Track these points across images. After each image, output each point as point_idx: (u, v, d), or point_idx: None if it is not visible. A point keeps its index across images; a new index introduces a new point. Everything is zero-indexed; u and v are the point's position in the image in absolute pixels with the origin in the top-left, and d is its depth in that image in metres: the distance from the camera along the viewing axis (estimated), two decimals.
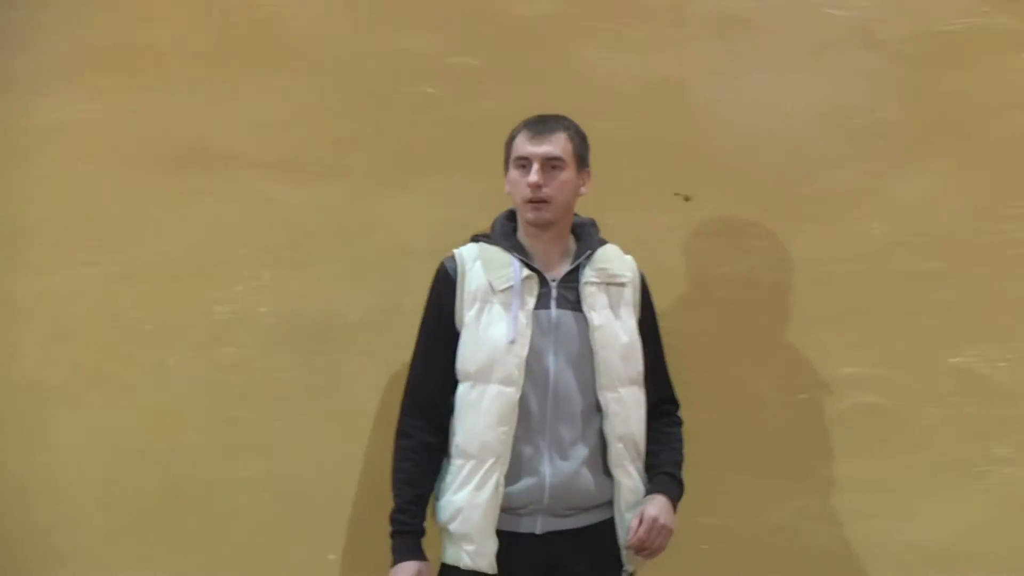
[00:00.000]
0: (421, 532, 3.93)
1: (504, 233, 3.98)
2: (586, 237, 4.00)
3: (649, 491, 3.95)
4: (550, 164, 3.90)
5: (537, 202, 3.89)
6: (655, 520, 3.88)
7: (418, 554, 3.91)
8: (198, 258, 4.48)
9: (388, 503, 4.19)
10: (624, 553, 3.92)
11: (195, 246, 4.48)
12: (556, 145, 3.90)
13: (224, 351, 4.47)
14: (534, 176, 3.88)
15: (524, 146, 3.91)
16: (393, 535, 3.91)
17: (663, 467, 4.01)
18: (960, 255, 4.57)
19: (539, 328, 3.88)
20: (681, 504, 3.98)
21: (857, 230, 4.55)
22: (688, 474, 4.03)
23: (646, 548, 3.90)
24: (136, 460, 4.46)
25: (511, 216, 4.02)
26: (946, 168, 4.57)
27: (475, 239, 4.02)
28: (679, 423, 4.11)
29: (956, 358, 4.57)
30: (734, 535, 4.55)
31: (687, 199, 4.53)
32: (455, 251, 3.99)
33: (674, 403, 4.12)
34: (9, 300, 4.46)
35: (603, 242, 4.02)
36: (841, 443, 4.56)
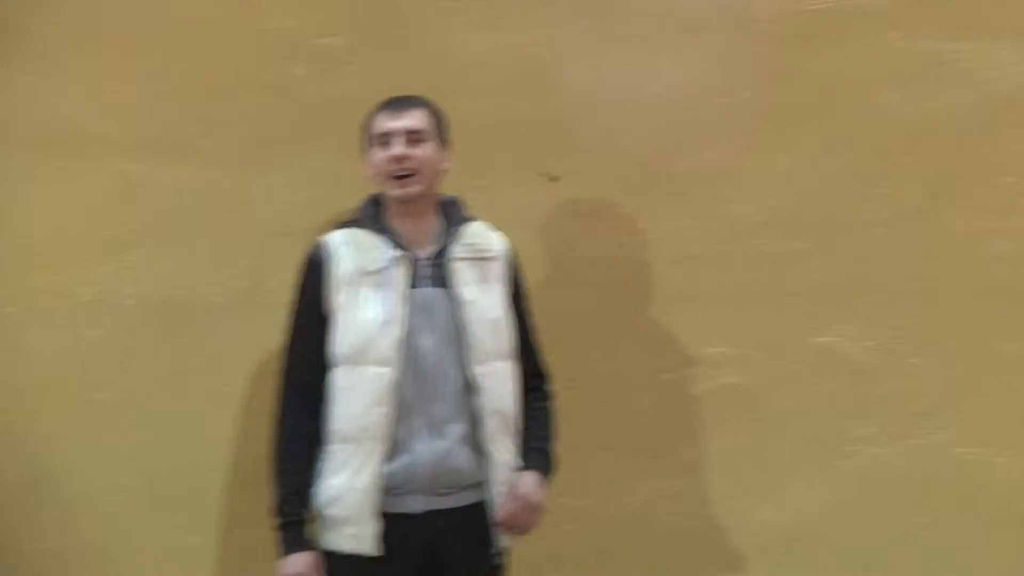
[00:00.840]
0: (306, 521, 3.90)
1: (371, 216, 3.97)
2: (452, 214, 4.00)
3: (520, 468, 3.97)
4: (412, 138, 3.90)
5: (403, 176, 3.89)
6: (525, 497, 3.90)
7: (307, 544, 3.88)
8: (62, 239, 4.45)
9: (253, 485, 4.29)
10: (497, 531, 3.92)
11: (59, 228, 4.45)
12: (416, 119, 3.91)
13: (87, 333, 4.45)
14: (398, 148, 3.88)
15: (384, 123, 3.91)
16: (280, 527, 3.88)
17: (534, 443, 4.03)
18: (825, 235, 4.57)
19: (411, 307, 3.87)
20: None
21: (722, 210, 4.55)
22: None
23: (516, 525, 3.92)
24: None
25: (376, 200, 4.01)
26: (811, 148, 4.58)
27: (342, 225, 4.00)
28: (549, 397, 4.12)
29: (820, 338, 4.59)
30: (596, 516, 4.58)
31: (553, 179, 4.53)
32: (320, 239, 3.97)
33: (544, 377, 4.13)
34: None
35: (469, 218, 4.02)
36: (704, 423, 4.58)
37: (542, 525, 3.98)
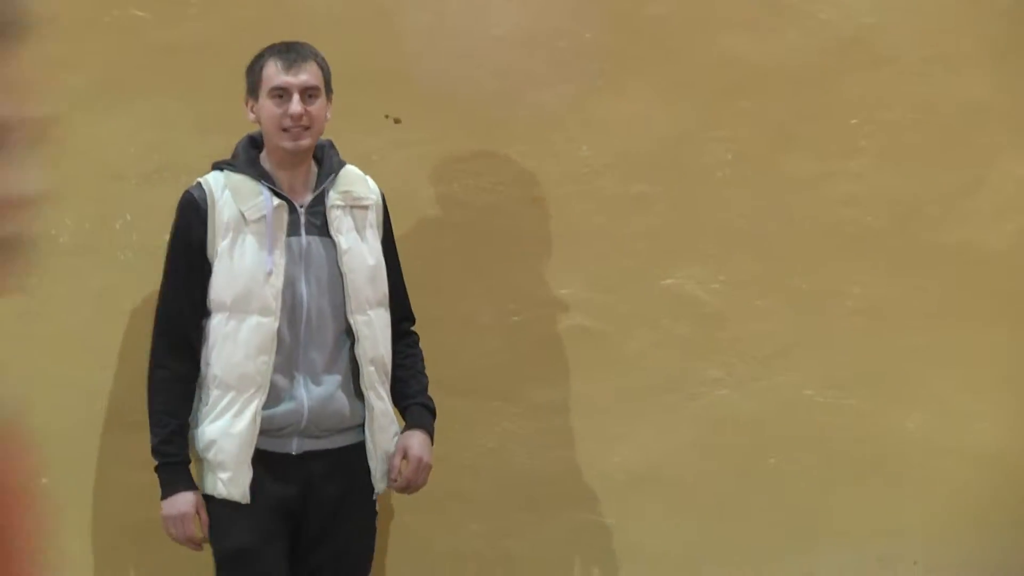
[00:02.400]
0: (188, 461, 3.94)
1: (249, 161, 3.97)
2: (327, 160, 4.02)
3: (407, 426, 4.03)
4: (307, 93, 3.91)
5: (296, 130, 3.89)
6: (419, 459, 3.98)
7: (190, 484, 3.92)
8: None
9: (100, 423, 4.37)
10: (374, 478, 3.98)
11: None
12: (312, 75, 3.92)
13: None
14: (296, 107, 3.87)
15: (279, 76, 3.90)
16: (161, 467, 3.92)
17: (415, 397, 4.09)
18: (669, 178, 4.61)
19: (291, 256, 3.90)
20: None
21: (566, 152, 4.57)
22: None
23: (412, 487, 4.00)
24: None
25: (253, 143, 4.01)
26: (654, 91, 4.60)
27: (217, 167, 4.00)
28: (417, 342, 4.17)
29: (667, 280, 4.61)
30: (447, 461, 4.55)
31: (397, 121, 4.54)
32: (201, 180, 3.96)
33: (412, 320, 4.18)
34: None
35: (343, 163, 4.04)
36: (553, 366, 4.59)
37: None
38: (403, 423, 4.08)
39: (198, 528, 3.92)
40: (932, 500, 4.67)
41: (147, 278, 4.31)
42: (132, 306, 4.40)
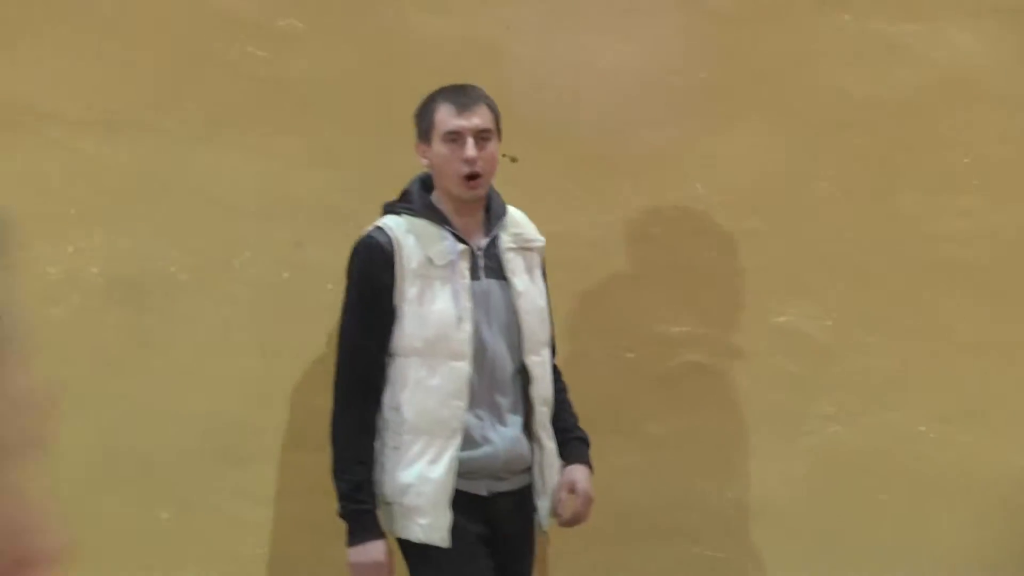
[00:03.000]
0: (375, 508, 3.96)
1: (426, 205, 3.99)
2: (495, 202, 4.06)
3: (570, 460, 4.11)
4: (480, 136, 3.94)
5: (473, 178, 3.93)
6: (585, 493, 4.07)
7: (381, 532, 3.95)
8: (20, 217, 4.51)
9: (222, 461, 4.45)
10: (541, 515, 4.07)
11: (21, 208, 4.51)
12: (484, 118, 3.96)
13: (54, 311, 4.48)
14: (471, 151, 3.91)
15: (452, 120, 3.93)
16: (352, 514, 3.93)
17: (572, 431, 4.17)
18: (779, 214, 4.71)
19: (473, 299, 3.95)
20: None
21: (678, 188, 4.66)
22: None
23: (577, 521, 4.09)
24: None
25: (424, 186, 4.04)
26: (765, 127, 4.70)
27: (391, 210, 4.02)
28: (561, 374, 4.24)
29: (779, 317, 4.69)
30: None
31: (513, 160, 4.60)
32: (381, 224, 3.98)
33: (555, 353, 4.23)
34: None
35: (504, 205, 4.09)
36: (667, 401, 4.66)
37: None
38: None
39: None
40: None
41: (262, 313, 4.43)
42: (247, 340, 4.48)
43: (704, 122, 4.69)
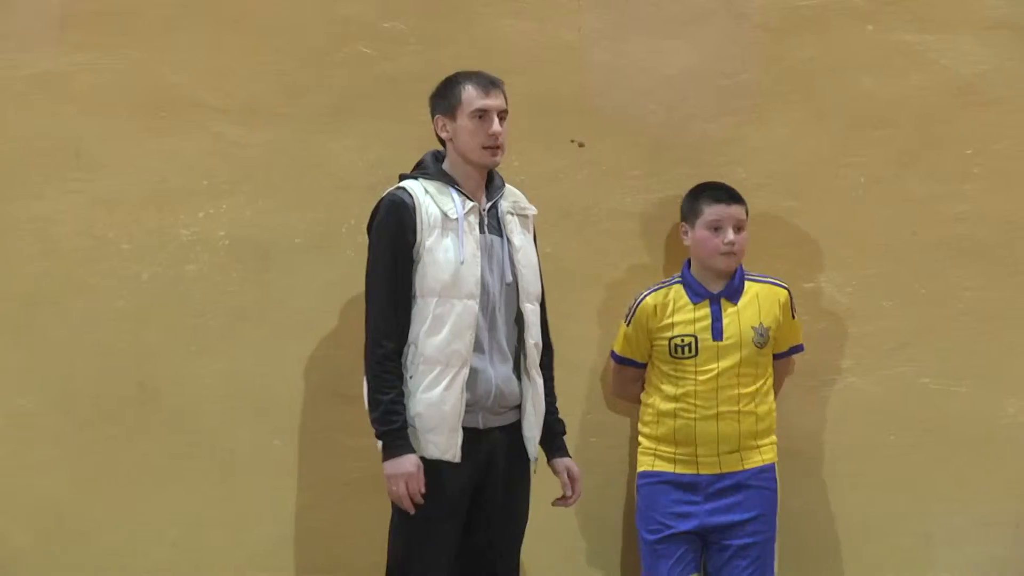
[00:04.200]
0: (407, 426, 4.36)
1: (439, 171, 4.52)
2: (495, 174, 4.61)
3: (558, 455, 4.68)
4: (501, 115, 4.48)
5: (495, 148, 4.47)
6: (578, 478, 4.68)
7: (411, 447, 4.34)
8: (166, 189, 5.13)
9: (322, 396, 5.05)
10: (530, 445, 4.55)
11: (164, 179, 5.14)
12: (504, 100, 4.51)
13: (188, 268, 5.12)
14: (496, 126, 4.44)
15: (480, 99, 4.44)
16: (386, 433, 4.33)
17: (558, 425, 4.71)
18: (811, 196, 5.27)
19: (479, 249, 4.47)
20: None
21: (726, 173, 5.15)
22: None
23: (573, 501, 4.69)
24: (112, 358, 5.10)
25: (437, 157, 4.57)
26: (798, 121, 5.26)
27: (408, 177, 4.54)
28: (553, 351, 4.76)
29: (809, 283, 5.27)
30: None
31: (581, 145, 5.21)
32: (405, 185, 4.47)
33: (550, 348, 4.74)
34: (7, 222, 5.10)
35: (503, 179, 4.64)
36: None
37: None
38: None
39: (422, 485, 4.31)
40: None
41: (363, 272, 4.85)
42: (353, 296, 4.99)
43: (748, 117, 5.26)
